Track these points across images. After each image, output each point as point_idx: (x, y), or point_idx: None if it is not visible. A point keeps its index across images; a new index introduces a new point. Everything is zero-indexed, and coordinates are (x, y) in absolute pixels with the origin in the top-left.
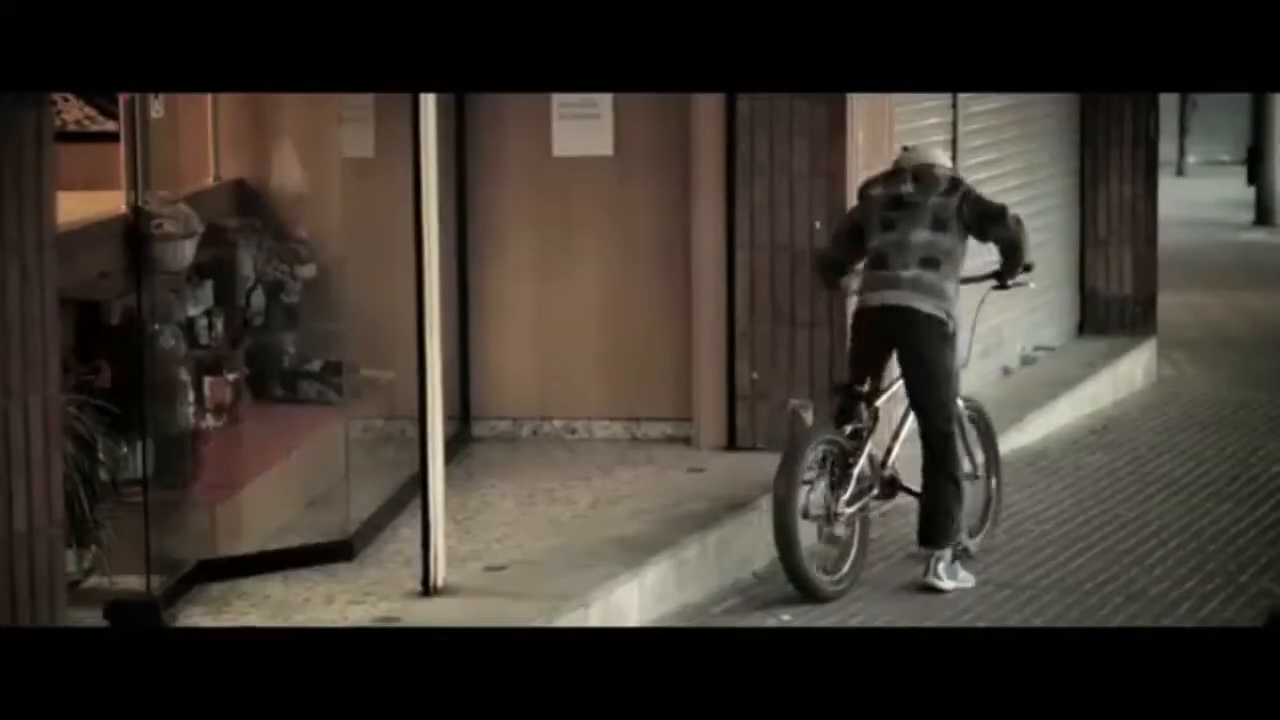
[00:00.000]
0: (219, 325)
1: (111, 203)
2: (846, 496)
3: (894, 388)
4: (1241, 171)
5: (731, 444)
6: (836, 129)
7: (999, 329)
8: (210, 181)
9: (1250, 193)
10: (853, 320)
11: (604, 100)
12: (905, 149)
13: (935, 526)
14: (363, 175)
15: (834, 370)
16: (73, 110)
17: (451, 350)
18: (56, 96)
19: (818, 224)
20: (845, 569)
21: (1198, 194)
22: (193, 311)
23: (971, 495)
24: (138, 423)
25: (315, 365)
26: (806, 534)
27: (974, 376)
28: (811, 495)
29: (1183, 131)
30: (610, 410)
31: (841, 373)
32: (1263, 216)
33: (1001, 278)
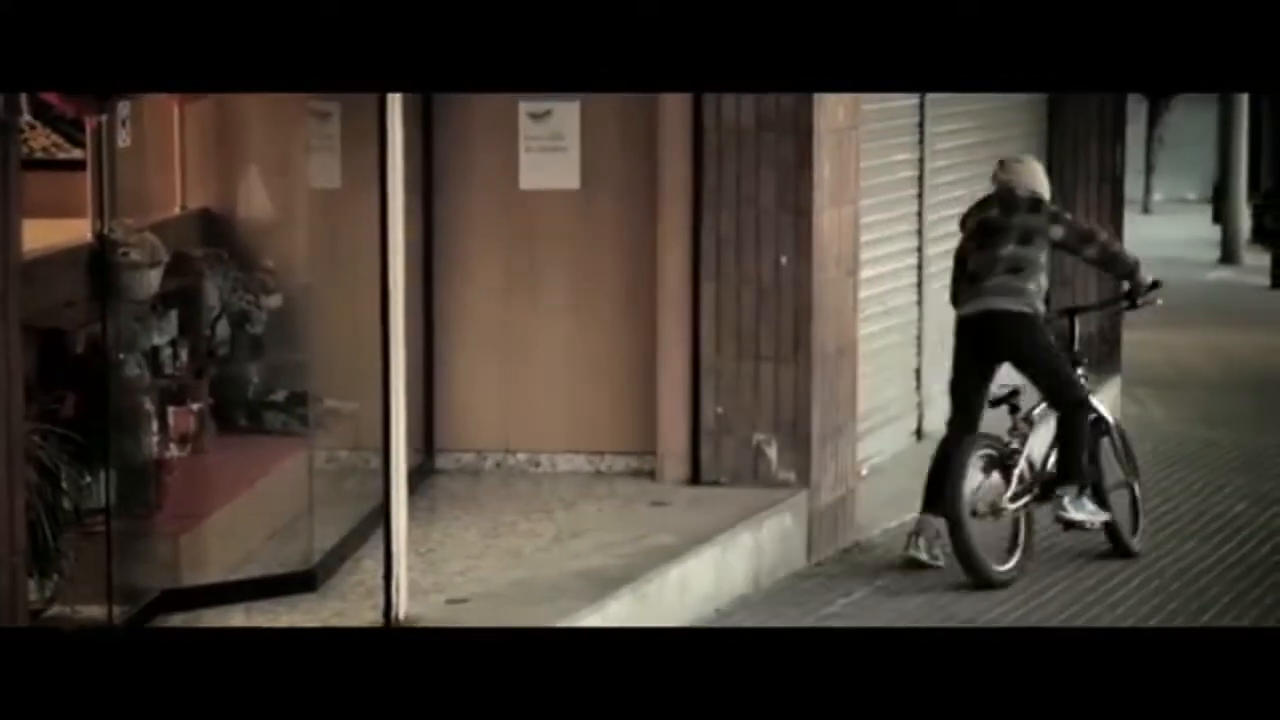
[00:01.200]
0: (184, 355)
1: (77, 231)
2: (1009, 494)
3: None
4: (1207, 209)
5: (696, 478)
6: (803, 163)
7: None
8: (176, 210)
9: (1216, 231)
10: (956, 331)
11: (571, 133)
12: (1001, 163)
13: (1068, 466)
14: (329, 206)
15: (798, 405)
16: (39, 137)
17: (416, 382)
18: (24, 123)
19: (783, 258)
20: (1014, 560)
21: (1163, 232)
22: (158, 341)
23: (1120, 504)
24: (101, 452)
25: (280, 396)
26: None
27: (938, 413)
28: (978, 494)
29: (1149, 169)
30: (574, 443)
31: (805, 408)
32: (1228, 255)
33: (1130, 298)
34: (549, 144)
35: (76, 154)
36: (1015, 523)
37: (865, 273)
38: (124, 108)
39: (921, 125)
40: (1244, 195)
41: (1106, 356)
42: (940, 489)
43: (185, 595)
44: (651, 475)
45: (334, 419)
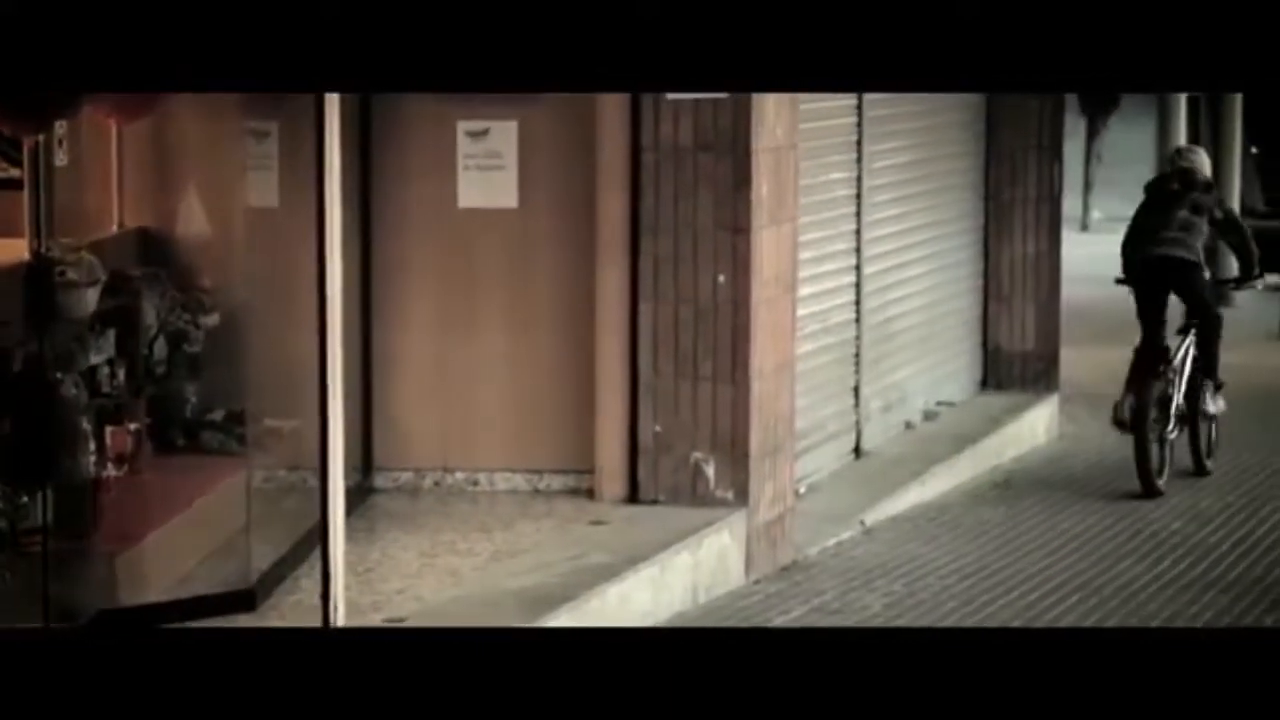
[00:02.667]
0: (121, 374)
1: (14, 250)
2: (1170, 426)
3: (1182, 350)
4: None
5: (634, 497)
6: (741, 182)
7: (902, 384)
8: (114, 229)
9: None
10: (1130, 272)
11: (509, 152)
12: (1178, 151)
13: (1209, 363)
14: (267, 224)
15: (736, 423)
16: None
17: (354, 401)
18: None
19: (721, 277)
20: (1165, 477)
21: (1102, 249)
22: (95, 360)
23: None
24: (38, 471)
25: (218, 415)
26: None
27: (876, 431)
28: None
29: (1087, 187)
30: (512, 462)
31: (743, 427)
32: (1205, 361)
33: (1240, 281)
34: (487, 162)
35: (14, 173)
36: (1169, 449)
37: (803, 291)
38: (61, 127)
39: (859, 144)
40: None
41: (1044, 374)
42: (1140, 375)
43: (122, 615)
44: (590, 494)
45: (272, 438)
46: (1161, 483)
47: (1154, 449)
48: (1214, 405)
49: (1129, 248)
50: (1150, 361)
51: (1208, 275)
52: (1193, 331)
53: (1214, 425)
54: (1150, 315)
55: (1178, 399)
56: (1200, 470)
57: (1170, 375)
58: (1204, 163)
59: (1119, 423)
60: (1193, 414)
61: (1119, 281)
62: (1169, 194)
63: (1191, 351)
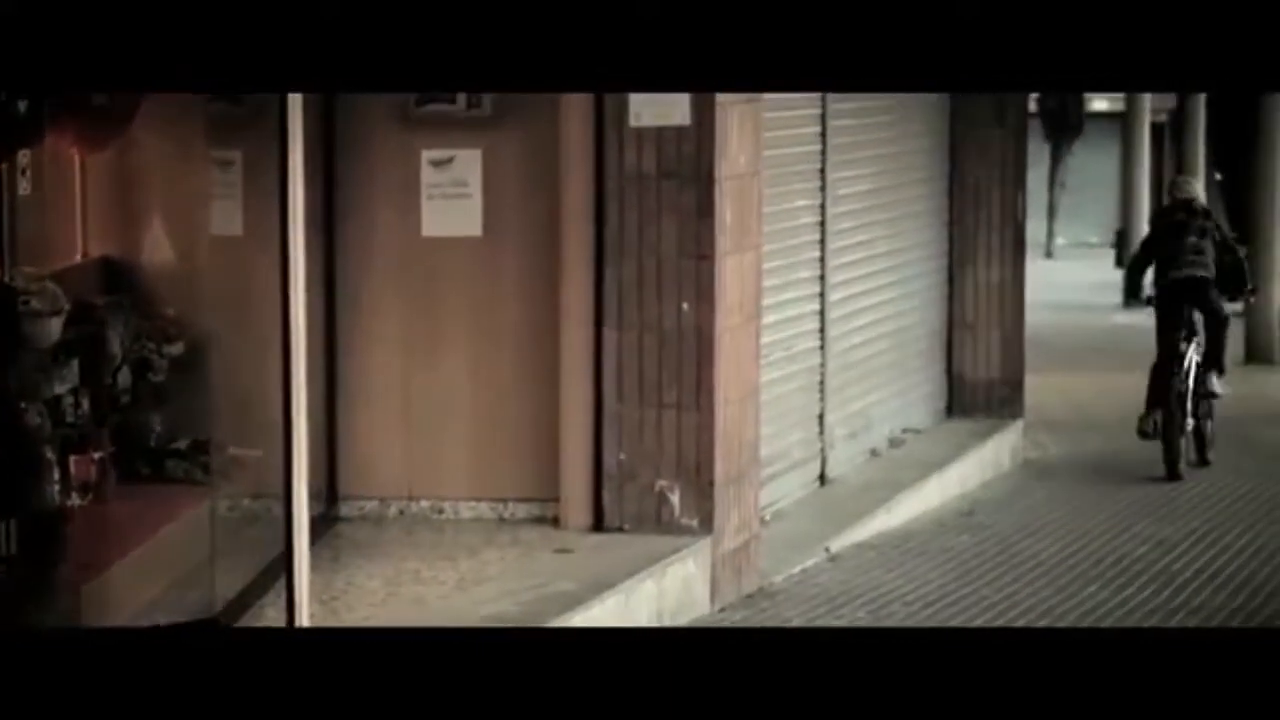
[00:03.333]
0: (85, 403)
1: None
2: (1187, 419)
3: (1189, 356)
4: (1110, 254)
5: (599, 525)
6: (705, 209)
7: (867, 411)
8: (78, 258)
9: (1118, 275)
10: (1157, 294)
11: (473, 180)
12: (1175, 183)
13: (1215, 356)
14: (231, 253)
15: (701, 451)
16: None
17: (318, 429)
18: None
19: (685, 305)
20: (1184, 463)
21: (1066, 276)
22: (59, 389)
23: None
24: (2, 501)
25: (182, 444)
26: None
27: (841, 458)
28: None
29: (1051, 214)
30: (477, 490)
31: (708, 455)
32: (1213, 350)
33: (1231, 294)
34: (451, 191)
35: None
36: (1187, 439)
37: (768, 318)
38: (24, 156)
39: (823, 171)
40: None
41: (1008, 401)
42: (1160, 394)
43: None
44: (555, 522)
45: (236, 467)
46: (1182, 467)
47: (1179, 443)
48: (1219, 386)
49: (1138, 273)
50: (1167, 376)
51: (1214, 281)
52: (1197, 338)
53: (1212, 415)
54: (1170, 331)
55: (1189, 397)
56: (1203, 460)
57: (1183, 380)
58: (1199, 191)
59: (1143, 433)
60: (1197, 402)
61: (1127, 302)
62: (1178, 223)
63: (1198, 356)
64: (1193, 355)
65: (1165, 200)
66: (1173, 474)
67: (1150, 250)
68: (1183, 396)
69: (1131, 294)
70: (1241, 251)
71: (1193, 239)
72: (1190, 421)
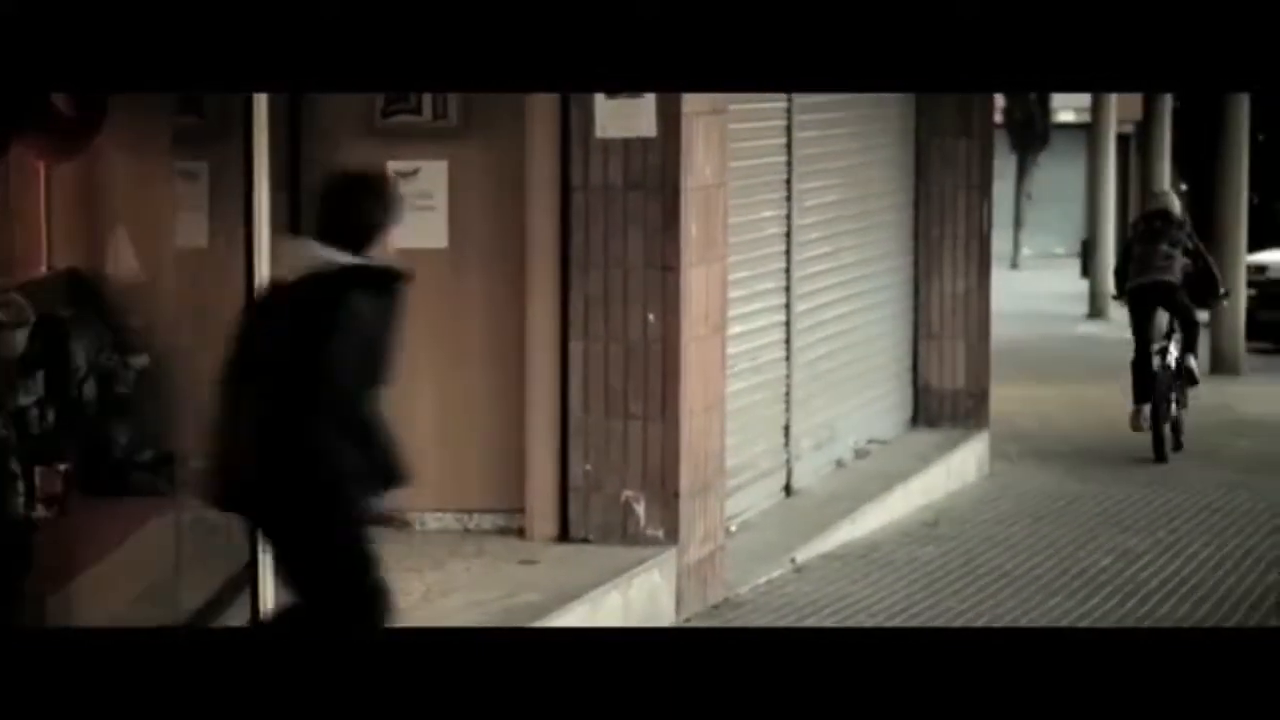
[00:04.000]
0: (51, 415)
1: None
2: (1173, 409)
3: (1171, 353)
4: (1076, 264)
5: (564, 536)
6: (670, 221)
7: (832, 422)
8: (43, 270)
9: (1084, 286)
10: (1129, 297)
11: (439, 192)
12: (1154, 194)
13: (1189, 342)
14: (196, 265)
15: (666, 462)
16: None
17: None
18: None
19: (651, 316)
20: (1168, 447)
21: (1032, 287)
22: (24, 401)
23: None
24: None
25: (147, 456)
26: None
27: (807, 469)
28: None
29: (1017, 225)
30: (443, 501)
31: (673, 466)
32: (1096, 310)
33: (1204, 298)
34: (417, 203)
35: None
36: (1171, 426)
37: (733, 330)
38: None
39: (789, 182)
40: (1112, 250)
41: (974, 412)
42: (1145, 391)
43: None
44: (520, 533)
45: (201, 479)
46: (1168, 450)
47: (1164, 429)
48: (1195, 365)
49: (1123, 275)
50: (1147, 369)
51: (1186, 294)
52: (1176, 336)
53: (1187, 404)
54: (1143, 328)
55: (1174, 388)
56: (1178, 445)
57: (1166, 374)
58: (1175, 202)
59: (1136, 428)
60: (1180, 389)
61: (1116, 298)
62: (1154, 230)
63: (1176, 352)
64: (1170, 349)
65: (1144, 209)
66: (1160, 457)
67: (1129, 256)
68: (1166, 385)
69: (1121, 291)
70: (1211, 259)
71: (1165, 247)
72: (1174, 409)
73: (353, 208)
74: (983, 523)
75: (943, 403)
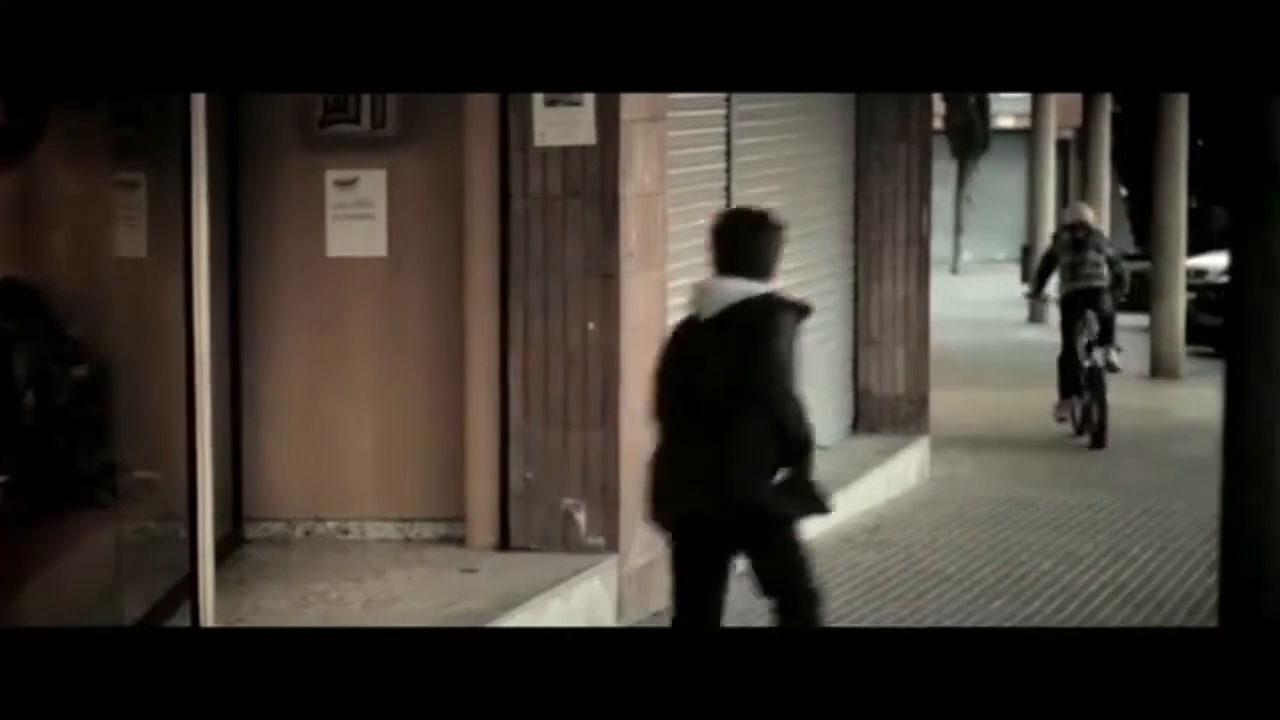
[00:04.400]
0: None
1: None
2: (1090, 397)
3: (1094, 348)
4: (1016, 270)
5: (505, 544)
6: (609, 229)
7: None
8: None
9: (1024, 290)
10: (1062, 299)
11: (378, 200)
12: (1071, 206)
13: (1107, 338)
14: (135, 275)
15: (607, 470)
16: None
17: (223, 451)
18: None
19: (591, 324)
20: (1105, 433)
21: (973, 292)
22: None
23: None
24: None
25: (87, 467)
26: None
27: None
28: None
29: (958, 230)
30: (383, 511)
31: (614, 473)
32: (1036, 314)
33: (1114, 294)
34: (356, 211)
35: None
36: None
37: None
38: None
39: (728, 189)
40: None
41: (914, 417)
42: (1069, 387)
43: None
44: (461, 541)
45: (142, 489)
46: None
47: (1092, 414)
48: (1116, 359)
49: (1041, 278)
50: (1075, 366)
51: (1106, 291)
52: (1093, 333)
53: (1107, 399)
54: (1072, 329)
55: (1092, 378)
56: (1099, 443)
57: (1087, 364)
58: (1091, 213)
59: (1060, 419)
60: (1099, 381)
61: (1029, 296)
62: (1078, 240)
63: (1098, 349)
64: (1094, 348)
65: (1063, 221)
66: (1097, 443)
67: (1053, 260)
68: (1088, 378)
69: (1036, 293)
70: (1123, 266)
71: (1092, 254)
72: (1093, 403)
73: (756, 243)
74: (924, 528)
75: (883, 409)
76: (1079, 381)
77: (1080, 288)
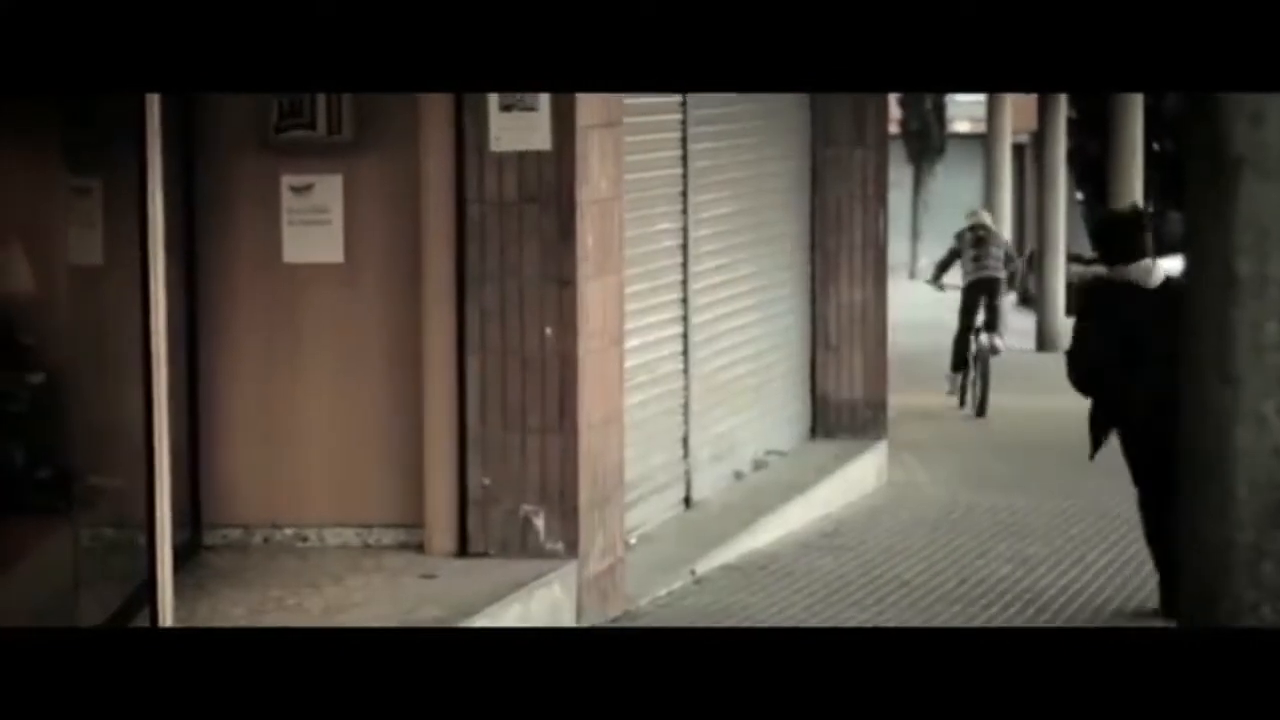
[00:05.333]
0: None
1: None
2: (974, 374)
3: (982, 333)
4: None
5: (463, 550)
6: (566, 234)
7: (731, 434)
8: None
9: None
10: (964, 287)
11: (334, 206)
12: (973, 212)
13: (993, 325)
14: (91, 281)
15: (565, 475)
16: None
17: (181, 457)
18: None
19: (548, 329)
20: (969, 405)
21: (930, 296)
22: None
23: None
24: None
25: (43, 474)
26: None
27: (706, 481)
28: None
29: (915, 234)
30: (342, 517)
31: (572, 479)
32: (992, 321)
33: (1010, 283)
34: (312, 217)
35: None
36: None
37: (631, 342)
38: None
39: (685, 194)
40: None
41: (872, 422)
42: (960, 362)
43: None
44: (420, 547)
45: (99, 496)
46: (971, 406)
47: (977, 388)
48: (999, 344)
49: (942, 269)
50: (966, 344)
51: (1003, 282)
52: (985, 319)
53: (989, 374)
54: (970, 313)
55: (979, 356)
56: (981, 412)
57: (977, 344)
58: (989, 216)
59: (951, 393)
60: (985, 360)
61: (930, 283)
62: (980, 238)
63: (985, 329)
64: (981, 333)
65: (968, 224)
66: (980, 413)
67: (956, 255)
68: (976, 356)
69: (936, 280)
70: (1018, 262)
71: (992, 249)
72: (978, 378)
73: (1146, 231)
74: (881, 532)
75: (841, 413)
76: (968, 360)
77: (981, 277)
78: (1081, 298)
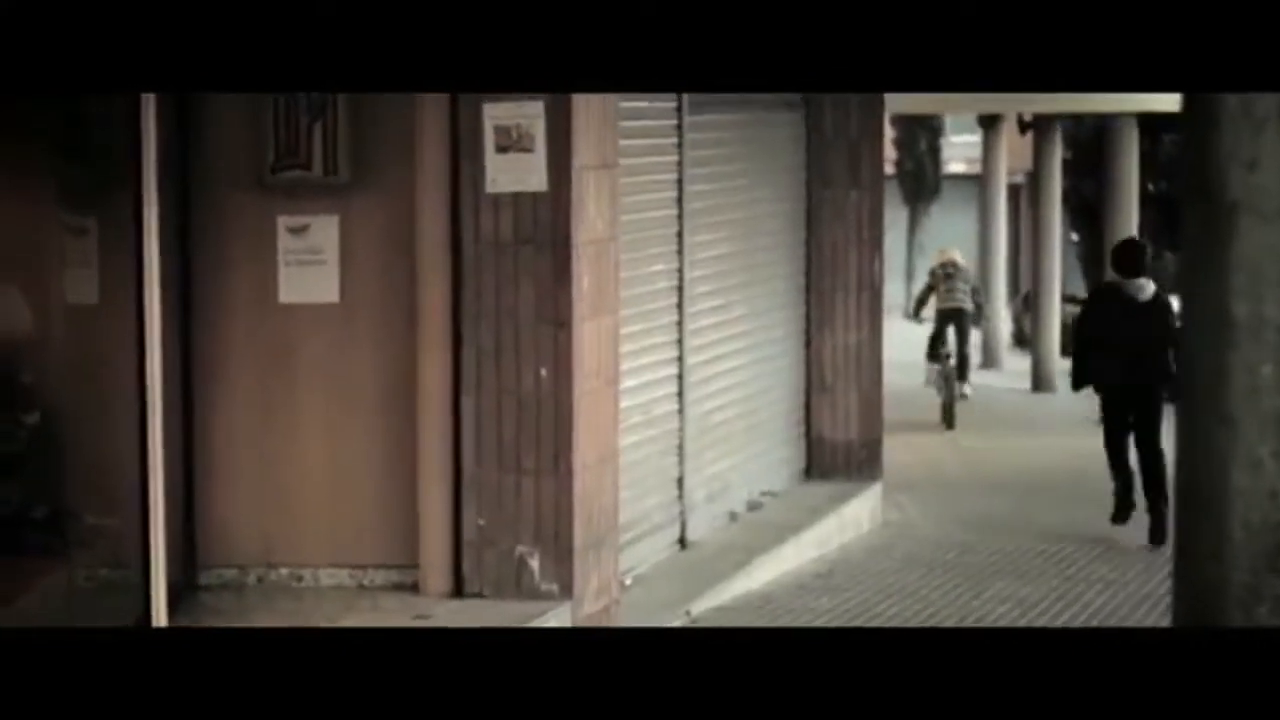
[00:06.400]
0: None
1: None
2: (950, 384)
3: (953, 352)
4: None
5: (459, 591)
6: (562, 274)
7: (725, 474)
8: None
9: (977, 336)
10: (937, 316)
11: (330, 247)
12: (942, 250)
13: (963, 370)
14: (87, 321)
15: (560, 516)
16: None
17: (176, 497)
18: None
19: (543, 370)
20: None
21: (926, 336)
22: None
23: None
24: None
25: (39, 514)
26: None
27: (701, 522)
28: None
29: (910, 275)
30: (336, 557)
31: (567, 519)
32: (989, 359)
33: (977, 314)
34: (308, 258)
35: None
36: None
37: (626, 383)
38: None
39: (680, 235)
40: (1004, 300)
41: (866, 462)
42: (934, 356)
43: None
44: (414, 588)
45: (95, 536)
46: (955, 420)
47: (950, 407)
48: (969, 389)
49: (921, 303)
50: (937, 352)
51: (971, 312)
52: (956, 366)
53: (957, 391)
54: (941, 337)
55: (950, 378)
56: (950, 426)
57: (946, 369)
58: (958, 254)
59: (930, 385)
60: (952, 383)
61: (909, 318)
62: (949, 274)
63: (956, 350)
64: (952, 354)
65: (939, 261)
66: (949, 425)
67: (931, 290)
68: (946, 378)
69: (915, 313)
70: (981, 296)
71: (959, 284)
72: (955, 392)
73: (1144, 256)
74: (877, 573)
75: (835, 454)
76: (940, 357)
77: (951, 306)
78: (1090, 295)
